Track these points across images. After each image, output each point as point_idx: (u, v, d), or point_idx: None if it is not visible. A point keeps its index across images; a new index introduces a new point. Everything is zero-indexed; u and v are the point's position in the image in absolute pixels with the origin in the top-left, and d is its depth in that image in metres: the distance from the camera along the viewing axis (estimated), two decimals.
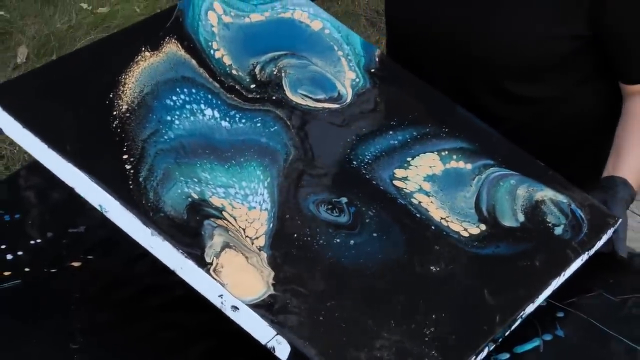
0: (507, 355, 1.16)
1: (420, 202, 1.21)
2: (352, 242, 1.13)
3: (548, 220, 1.24)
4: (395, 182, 1.22)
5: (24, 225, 1.36)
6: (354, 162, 1.23)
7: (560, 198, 1.27)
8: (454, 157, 1.27)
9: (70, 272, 1.28)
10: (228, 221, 1.11)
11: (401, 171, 1.24)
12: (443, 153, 1.27)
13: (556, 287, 1.19)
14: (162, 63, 1.26)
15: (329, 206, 1.16)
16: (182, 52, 1.28)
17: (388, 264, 1.13)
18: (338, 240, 1.13)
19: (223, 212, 1.11)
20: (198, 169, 1.15)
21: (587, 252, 1.23)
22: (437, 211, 1.20)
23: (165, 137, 1.18)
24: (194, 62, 1.28)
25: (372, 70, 1.35)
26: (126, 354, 1.16)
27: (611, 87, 1.51)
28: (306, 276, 1.09)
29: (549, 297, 1.21)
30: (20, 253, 1.30)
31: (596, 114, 1.53)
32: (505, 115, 1.43)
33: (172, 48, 1.28)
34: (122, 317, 1.21)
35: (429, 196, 1.22)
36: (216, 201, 1.12)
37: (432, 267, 1.14)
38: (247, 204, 1.13)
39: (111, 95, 1.20)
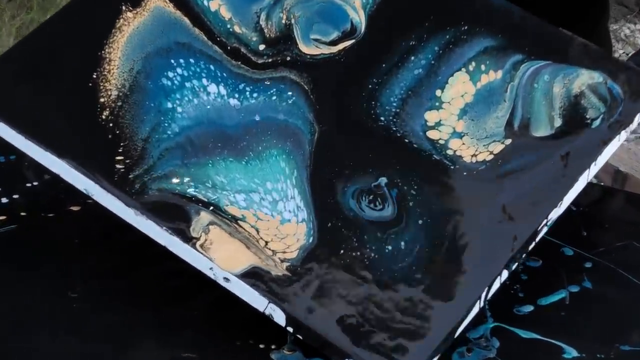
0: (531, 308, 1.15)
1: (454, 150, 1.16)
2: (402, 243, 1.08)
3: (587, 116, 1.18)
4: (429, 134, 1.16)
5: (19, 167, 1.35)
6: (382, 118, 1.17)
7: (596, 78, 1.20)
8: (482, 67, 1.20)
9: (69, 216, 1.27)
10: (241, 226, 1.08)
11: (433, 114, 1.17)
12: (470, 67, 1.20)
13: (588, 180, 1.14)
14: (149, 26, 1.20)
15: (370, 197, 1.11)
16: (170, 8, 1.21)
17: (428, 244, 1.09)
18: (390, 248, 1.07)
19: (239, 222, 1.08)
20: (211, 170, 1.11)
21: (624, 129, 1.16)
22: (467, 150, 1.15)
23: (169, 132, 1.13)
24: (186, 20, 1.21)
25: None
26: (129, 303, 1.14)
27: None
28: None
29: (577, 246, 1.21)
30: (15, 196, 1.30)
31: None
32: None
33: (157, 2, 1.22)
34: (125, 264, 1.20)
35: (461, 137, 1.17)
36: (235, 211, 1.09)
37: (454, 207, 1.11)
38: (278, 216, 1.09)
39: (95, 76, 1.15)
